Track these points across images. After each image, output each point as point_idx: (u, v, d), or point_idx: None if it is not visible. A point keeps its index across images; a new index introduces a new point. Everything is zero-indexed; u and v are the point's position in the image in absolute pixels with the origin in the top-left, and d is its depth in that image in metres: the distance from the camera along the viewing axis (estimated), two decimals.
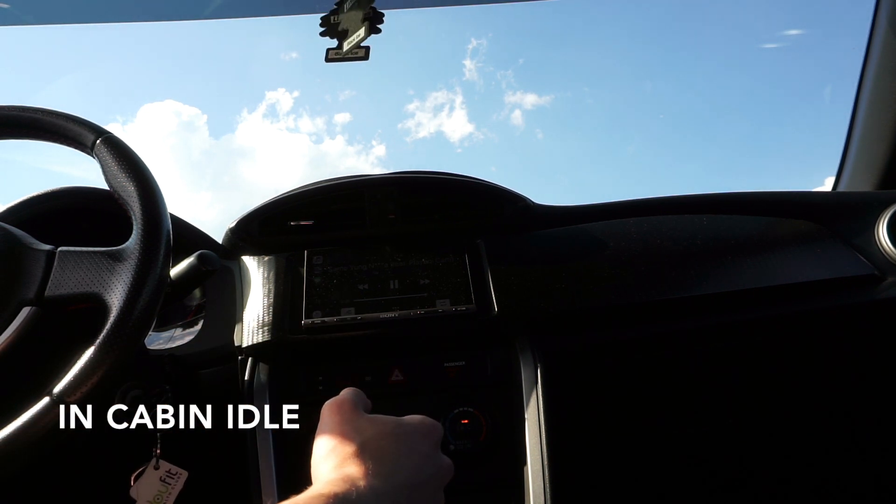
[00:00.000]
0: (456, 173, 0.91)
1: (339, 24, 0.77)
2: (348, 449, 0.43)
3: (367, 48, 0.77)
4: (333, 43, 0.78)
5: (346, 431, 0.44)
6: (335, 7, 0.78)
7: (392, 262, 0.80)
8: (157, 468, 0.66)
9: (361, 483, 0.39)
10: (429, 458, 0.45)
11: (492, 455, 0.69)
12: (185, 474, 0.67)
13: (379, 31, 0.77)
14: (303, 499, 0.37)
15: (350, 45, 0.76)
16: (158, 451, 0.66)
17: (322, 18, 0.78)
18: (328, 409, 0.48)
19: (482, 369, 0.74)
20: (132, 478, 0.66)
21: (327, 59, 0.77)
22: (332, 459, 0.43)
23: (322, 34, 0.79)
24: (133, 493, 0.65)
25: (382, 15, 0.76)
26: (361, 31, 0.75)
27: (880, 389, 0.97)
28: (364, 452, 0.42)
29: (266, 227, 0.85)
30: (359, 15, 0.76)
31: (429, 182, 0.88)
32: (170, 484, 0.66)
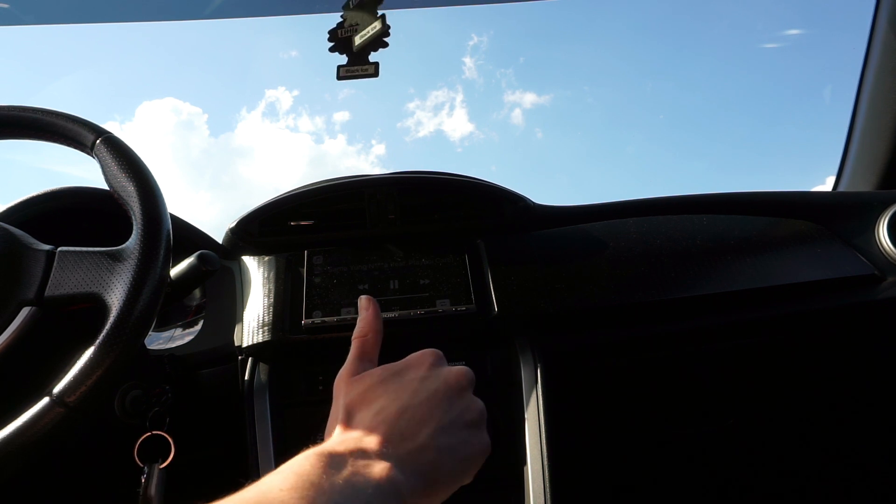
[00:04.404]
0: (456, 173, 0.91)
1: (347, 33, 0.77)
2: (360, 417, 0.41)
3: (377, 64, 0.78)
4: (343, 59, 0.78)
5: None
6: (341, 20, 0.78)
7: (392, 262, 0.80)
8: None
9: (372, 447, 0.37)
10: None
11: (492, 455, 0.69)
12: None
13: (386, 45, 0.77)
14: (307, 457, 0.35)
15: (363, 40, 0.76)
16: (172, 455, 0.66)
17: (329, 32, 0.78)
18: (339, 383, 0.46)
19: (482, 369, 0.74)
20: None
21: (339, 77, 0.78)
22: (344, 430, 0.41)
23: (331, 50, 0.79)
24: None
25: (387, 27, 0.76)
26: (377, 24, 0.75)
27: (880, 389, 0.97)
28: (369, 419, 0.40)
29: (266, 227, 0.85)
30: (368, 9, 0.76)
31: (429, 182, 0.88)
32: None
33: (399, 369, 0.45)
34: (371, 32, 0.75)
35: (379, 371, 0.45)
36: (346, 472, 0.34)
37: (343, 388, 0.45)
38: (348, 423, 0.41)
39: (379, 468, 0.35)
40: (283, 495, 0.31)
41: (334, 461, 0.35)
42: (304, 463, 0.34)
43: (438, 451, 0.39)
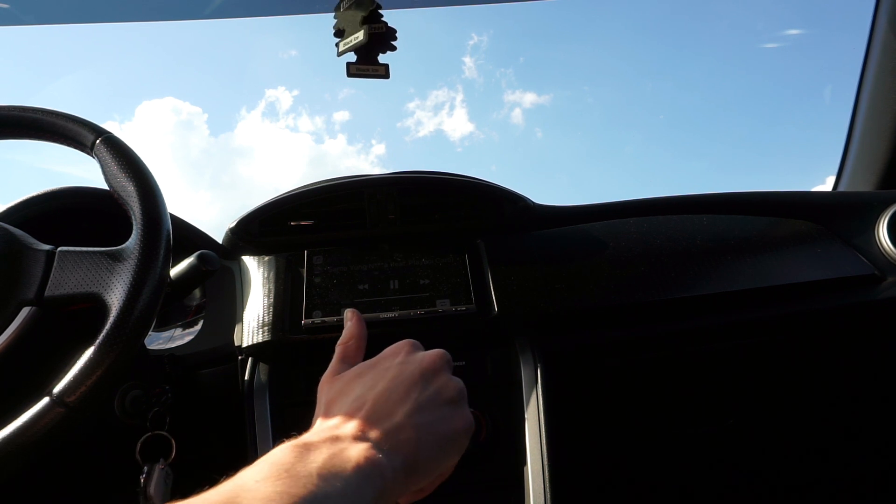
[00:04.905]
0: (456, 173, 0.91)
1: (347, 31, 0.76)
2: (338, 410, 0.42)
3: (387, 66, 0.76)
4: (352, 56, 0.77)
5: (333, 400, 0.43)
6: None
7: (392, 262, 0.80)
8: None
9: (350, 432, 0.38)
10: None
11: (492, 455, 0.69)
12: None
13: (394, 48, 0.76)
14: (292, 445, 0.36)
15: (346, 47, 0.76)
16: (174, 455, 0.66)
17: (336, 29, 0.78)
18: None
19: (482, 369, 0.74)
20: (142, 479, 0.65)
21: (349, 74, 0.77)
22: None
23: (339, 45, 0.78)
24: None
25: (389, 27, 0.75)
26: (360, 34, 0.74)
27: (880, 389, 0.97)
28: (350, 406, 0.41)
29: (266, 227, 0.85)
30: (357, 15, 0.75)
31: (429, 182, 0.88)
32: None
33: (375, 362, 0.46)
34: (353, 42, 0.74)
35: (356, 367, 0.46)
36: (323, 457, 0.34)
37: (325, 388, 0.46)
38: (327, 415, 0.42)
39: (357, 450, 0.35)
40: (258, 486, 0.31)
41: (310, 449, 0.35)
42: (279, 454, 0.34)
43: (416, 429, 0.39)
